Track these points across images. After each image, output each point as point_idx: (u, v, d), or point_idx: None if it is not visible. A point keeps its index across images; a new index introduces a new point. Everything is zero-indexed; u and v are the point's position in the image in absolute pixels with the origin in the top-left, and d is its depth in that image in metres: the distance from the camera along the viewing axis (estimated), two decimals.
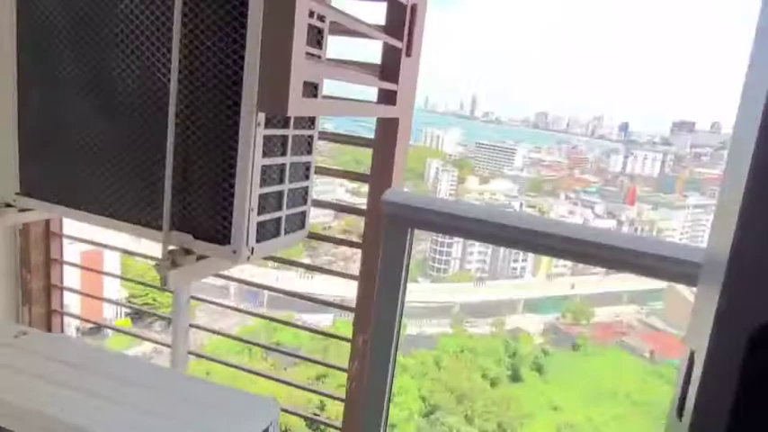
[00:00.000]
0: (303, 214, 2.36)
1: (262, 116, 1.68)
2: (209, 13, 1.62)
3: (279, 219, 2.04)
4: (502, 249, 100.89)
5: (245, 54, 1.60)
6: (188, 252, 1.87)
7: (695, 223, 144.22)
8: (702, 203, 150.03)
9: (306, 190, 2.35)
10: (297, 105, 1.59)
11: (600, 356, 71.08)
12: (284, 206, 2.05)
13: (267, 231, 1.96)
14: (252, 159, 1.70)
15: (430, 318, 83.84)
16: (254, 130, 1.68)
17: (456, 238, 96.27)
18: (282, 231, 2.05)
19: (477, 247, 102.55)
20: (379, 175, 2.84)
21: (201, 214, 1.83)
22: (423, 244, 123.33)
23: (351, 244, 3.49)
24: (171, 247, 1.86)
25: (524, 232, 2.04)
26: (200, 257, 1.94)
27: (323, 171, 3.13)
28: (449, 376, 51.94)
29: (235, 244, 1.77)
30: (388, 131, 2.83)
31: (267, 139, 1.81)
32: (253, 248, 1.82)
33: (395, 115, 2.72)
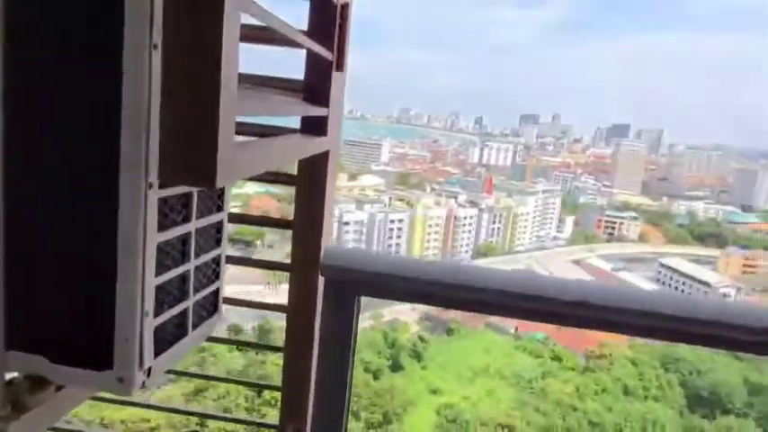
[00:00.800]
0: (215, 294, 1.55)
1: (154, 172, 1.03)
2: (47, 15, 0.97)
3: (184, 311, 1.35)
4: (375, 241, 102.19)
5: (122, 79, 0.96)
6: (40, 384, 1.13)
7: (545, 207, 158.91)
8: (549, 188, 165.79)
9: (218, 260, 1.55)
10: (227, 171, 1.08)
11: (472, 338, 75.36)
12: (190, 292, 1.35)
13: (167, 334, 1.26)
14: (143, 237, 1.02)
15: None
16: (143, 194, 1.02)
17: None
18: (189, 327, 1.37)
19: (350, 243, 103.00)
20: (306, 223, 2.25)
21: (61, 324, 1.10)
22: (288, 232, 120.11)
23: (275, 307, 2.91)
24: (11, 376, 1.13)
25: (534, 299, 1.66)
26: (62, 388, 1.22)
27: (237, 218, 2.49)
28: None
29: (120, 367, 1.08)
30: (315, 167, 2.21)
31: (163, 202, 1.13)
32: (149, 369, 1.14)
33: (325, 148, 2.14)
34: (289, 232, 2.39)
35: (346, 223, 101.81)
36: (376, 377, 58.54)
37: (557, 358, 70.90)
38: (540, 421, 49.06)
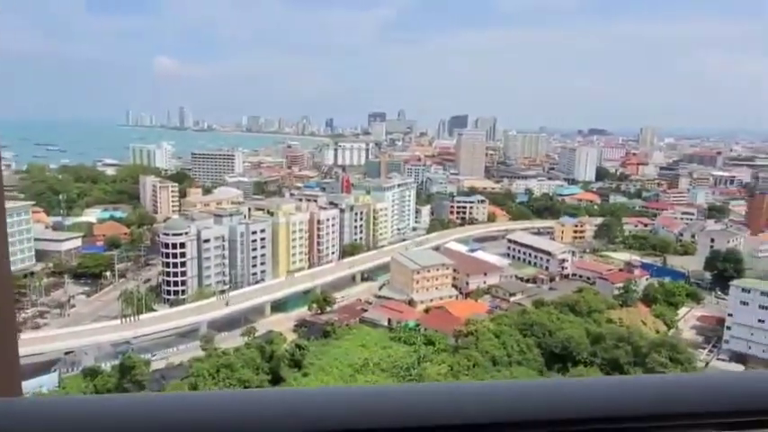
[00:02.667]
0: None
1: None
2: None
3: None
4: (239, 255, 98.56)
5: None
6: None
7: (402, 200, 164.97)
8: (403, 182, 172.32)
9: None
10: None
11: (348, 336, 76.29)
12: None
13: None
14: None
15: (177, 345, 77.40)
16: None
17: (189, 255, 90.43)
18: None
19: (212, 260, 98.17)
20: None
21: None
22: (153, 269, 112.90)
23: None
24: None
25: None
26: None
27: None
28: None
29: None
30: None
31: None
32: None
33: None
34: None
35: (206, 240, 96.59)
36: None
37: (429, 342, 75.02)
38: None
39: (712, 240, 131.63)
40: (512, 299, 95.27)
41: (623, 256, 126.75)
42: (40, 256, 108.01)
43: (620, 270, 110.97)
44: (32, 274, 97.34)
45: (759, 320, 71.53)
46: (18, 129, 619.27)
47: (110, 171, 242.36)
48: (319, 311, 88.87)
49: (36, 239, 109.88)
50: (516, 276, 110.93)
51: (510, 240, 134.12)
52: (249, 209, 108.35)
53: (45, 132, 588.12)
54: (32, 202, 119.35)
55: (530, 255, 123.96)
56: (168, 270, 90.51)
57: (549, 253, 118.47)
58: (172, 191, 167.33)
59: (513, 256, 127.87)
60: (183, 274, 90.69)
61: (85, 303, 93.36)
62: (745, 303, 73.37)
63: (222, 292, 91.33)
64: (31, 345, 66.68)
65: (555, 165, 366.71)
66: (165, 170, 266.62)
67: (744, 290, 74.50)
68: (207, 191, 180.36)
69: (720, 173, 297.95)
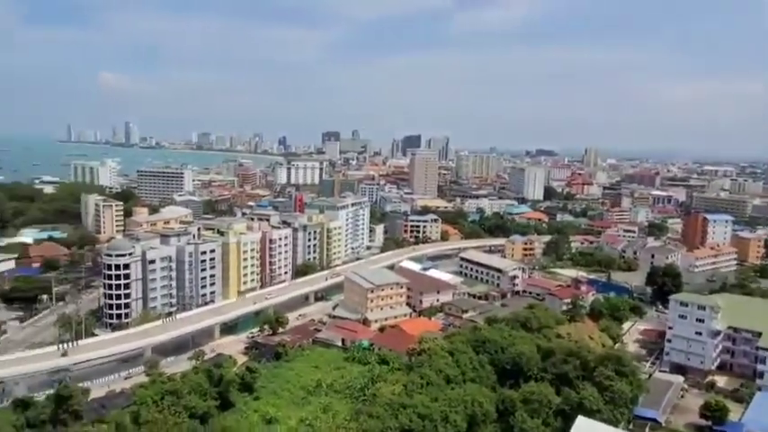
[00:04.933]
0: None
1: None
2: None
3: None
4: (187, 276, 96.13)
5: None
6: None
7: (356, 219, 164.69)
8: (357, 201, 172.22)
9: None
10: None
11: (301, 358, 74.85)
12: None
13: None
14: None
15: (119, 371, 73.89)
16: None
17: (134, 277, 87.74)
18: None
19: (158, 281, 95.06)
20: None
21: None
22: (95, 292, 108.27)
23: None
24: None
25: None
26: None
27: None
28: (152, 430, 46.78)
29: None
30: None
31: None
32: None
33: None
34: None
35: (152, 261, 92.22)
36: (204, 421, 54.44)
37: (383, 362, 74.25)
38: (375, 426, 50.63)
39: (653, 256, 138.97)
40: (464, 316, 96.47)
41: (571, 272, 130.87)
42: None
43: (568, 286, 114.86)
44: None
45: (696, 333, 74.64)
46: None
47: (48, 189, 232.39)
48: (271, 333, 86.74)
49: None
50: (469, 294, 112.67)
51: (462, 258, 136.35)
52: (199, 228, 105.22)
53: None
54: None
55: (482, 272, 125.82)
56: (111, 293, 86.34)
57: (500, 270, 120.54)
58: (116, 210, 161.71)
59: (466, 274, 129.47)
60: (127, 296, 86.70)
61: (18, 330, 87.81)
62: (683, 317, 76.40)
63: (169, 314, 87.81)
64: None
65: (505, 184, 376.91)
66: (110, 188, 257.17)
67: (682, 303, 77.61)
68: (154, 210, 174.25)
69: (658, 192, 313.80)
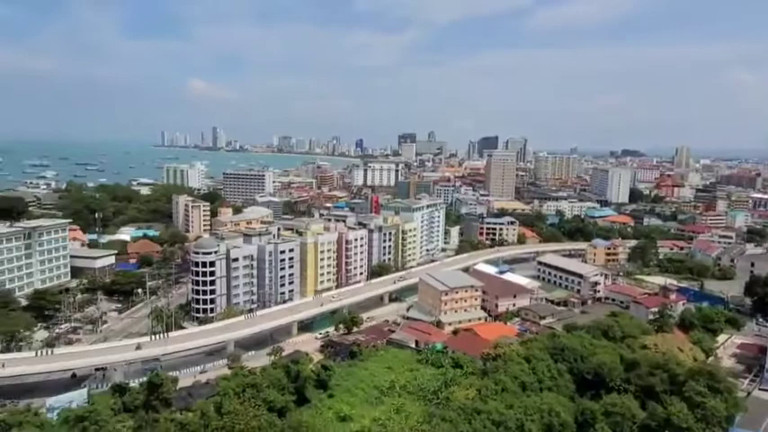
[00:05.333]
0: None
1: None
2: None
3: None
4: (267, 274, 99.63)
5: None
6: None
7: (431, 221, 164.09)
8: (433, 203, 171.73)
9: None
10: None
11: (375, 358, 75.64)
12: None
13: None
14: None
15: (204, 363, 78.11)
16: None
17: (218, 274, 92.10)
18: None
19: (241, 279, 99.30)
20: None
21: None
22: (183, 287, 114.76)
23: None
24: None
25: None
26: None
27: None
28: (234, 420, 49.03)
29: None
30: None
31: None
32: None
33: None
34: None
35: (235, 260, 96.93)
36: (281, 415, 56.34)
37: (457, 365, 73.50)
38: (448, 430, 50.21)
39: (752, 264, 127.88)
40: (542, 322, 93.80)
41: (658, 279, 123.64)
42: (76, 272, 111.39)
43: (656, 294, 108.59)
44: (68, 290, 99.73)
45: None
46: (59, 149, 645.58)
47: (144, 190, 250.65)
48: (346, 332, 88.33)
49: (72, 256, 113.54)
50: (547, 299, 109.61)
51: (540, 262, 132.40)
52: (278, 228, 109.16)
53: (84, 152, 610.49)
54: (70, 220, 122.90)
55: (561, 277, 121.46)
56: (198, 288, 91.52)
57: (580, 275, 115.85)
58: (203, 210, 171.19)
59: (544, 279, 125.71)
60: (213, 292, 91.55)
61: (117, 320, 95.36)
62: None
63: (250, 311, 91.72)
64: (63, 360, 68.52)
65: (587, 186, 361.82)
66: (198, 189, 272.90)
67: None
68: (237, 210, 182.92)
69: (759, 195, 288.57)
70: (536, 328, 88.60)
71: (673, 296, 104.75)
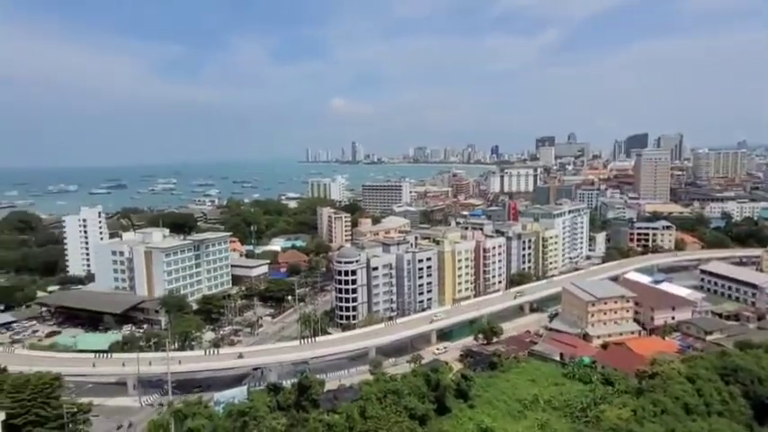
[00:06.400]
0: None
1: None
2: None
3: None
4: (406, 283, 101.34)
5: None
6: None
7: (574, 227, 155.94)
8: (575, 208, 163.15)
9: None
10: None
11: (516, 369, 73.13)
12: None
13: None
14: None
15: (348, 367, 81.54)
16: None
17: (360, 282, 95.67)
18: None
19: (381, 287, 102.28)
20: None
21: None
22: (327, 294, 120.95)
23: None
24: None
25: None
26: None
27: None
28: (377, 425, 50.30)
29: None
30: None
31: None
32: None
33: None
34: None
35: (375, 268, 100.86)
36: (423, 423, 56.71)
37: (608, 382, 68.30)
38: None
39: None
40: (708, 338, 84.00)
41: None
42: (235, 280, 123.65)
43: None
44: (229, 296, 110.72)
45: None
46: (220, 169, 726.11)
47: (292, 204, 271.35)
48: (485, 342, 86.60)
49: (232, 265, 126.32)
50: (713, 312, 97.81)
51: (703, 271, 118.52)
52: (416, 237, 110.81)
53: (240, 171, 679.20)
54: (230, 233, 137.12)
55: (730, 288, 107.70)
56: (341, 296, 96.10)
57: (755, 286, 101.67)
58: (345, 221, 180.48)
59: (708, 289, 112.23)
60: (354, 300, 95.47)
61: (270, 324, 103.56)
62: None
63: (390, 318, 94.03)
64: (227, 359, 76.13)
65: (759, 184, 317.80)
66: (339, 201, 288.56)
67: None
68: (376, 220, 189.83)
69: None
70: (701, 345, 79.44)
71: None
